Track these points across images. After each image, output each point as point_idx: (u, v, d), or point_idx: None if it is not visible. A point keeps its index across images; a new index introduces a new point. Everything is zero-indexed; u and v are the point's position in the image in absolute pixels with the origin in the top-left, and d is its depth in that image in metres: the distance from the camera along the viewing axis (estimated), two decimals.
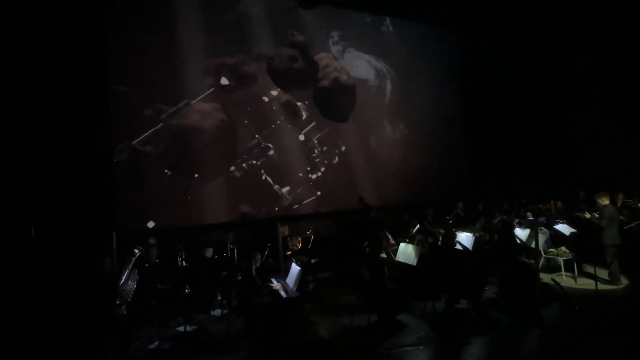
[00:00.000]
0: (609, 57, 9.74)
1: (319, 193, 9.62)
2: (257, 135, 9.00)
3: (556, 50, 10.66)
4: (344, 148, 10.04)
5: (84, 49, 6.74)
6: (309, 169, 9.60)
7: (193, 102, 8.29)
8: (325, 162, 9.84)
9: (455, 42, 11.52)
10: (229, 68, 8.80)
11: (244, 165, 8.81)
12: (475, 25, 11.07)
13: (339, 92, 10.17)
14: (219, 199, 8.51)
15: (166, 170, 7.94)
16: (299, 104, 9.57)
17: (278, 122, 9.27)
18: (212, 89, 8.50)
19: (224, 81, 8.70)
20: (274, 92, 9.29)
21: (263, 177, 8.98)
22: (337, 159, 9.97)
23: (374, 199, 9.20)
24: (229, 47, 8.79)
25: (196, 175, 8.23)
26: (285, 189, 9.22)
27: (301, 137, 9.57)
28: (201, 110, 8.42)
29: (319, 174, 9.70)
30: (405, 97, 10.74)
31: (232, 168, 8.68)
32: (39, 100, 6.27)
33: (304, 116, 9.65)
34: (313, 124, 9.69)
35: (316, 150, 9.76)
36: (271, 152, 9.11)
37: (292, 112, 9.53)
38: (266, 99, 9.16)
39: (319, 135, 9.76)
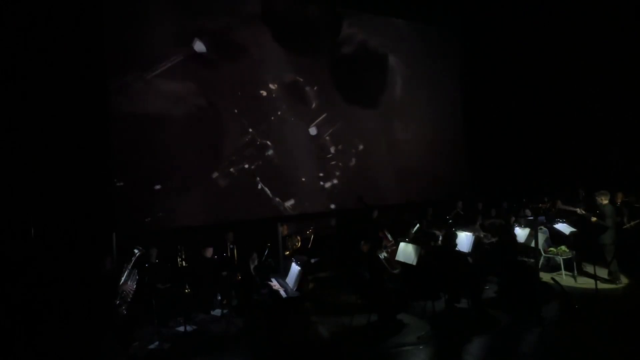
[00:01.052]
0: (609, 56, 9.75)
1: (332, 207, 7.74)
2: (250, 130, 6.94)
3: (556, 49, 10.66)
4: (361, 147, 8.18)
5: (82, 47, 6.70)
6: (321, 174, 7.62)
7: (150, 76, 6.09)
8: (340, 164, 7.91)
9: (455, 42, 11.50)
10: (210, 34, 6.42)
11: (231, 170, 6.78)
12: (475, 24, 11.06)
13: (368, 64, 7.95)
14: (194, 216, 6.56)
15: (114, 180, 6.08)
16: (306, 88, 7.52)
17: (279, 112, 7.25)
18: (182, 57, 6.17)
19: (199, 47, 6.24)
20: (275, 65, 7.07)
21: (259, 186, 7.02)
22: (354, 160, 8.00)
23: (375, 199, 8.81)
24: (210, 5, 6.53)
25: (158, 186, 6.29)
26: (289, 203, 7.28)
27: (312, 131, 7.47)
28: (167, 91, 6.17)
29: (335, 181, 7.68)
30: (407, 96, 10.40)
31: (215, 174, 6.67)
32: (38, 100, 6.26)
33: (314, 104, 7.48)
34: (324, 115, 7.60)
35: (332, 150, 7.68)
36: (270, 152, 7.19)
37: (298, 98, 7.36)
38: (263, 86, 6.99)
39: (331, 130, 7.71)
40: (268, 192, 7.12)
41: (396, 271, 6.42)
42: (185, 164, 6.61)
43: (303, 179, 7.58)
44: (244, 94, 7.00)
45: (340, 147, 7.92)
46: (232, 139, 6.90)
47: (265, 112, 7.27)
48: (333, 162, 7.84)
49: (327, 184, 7.74)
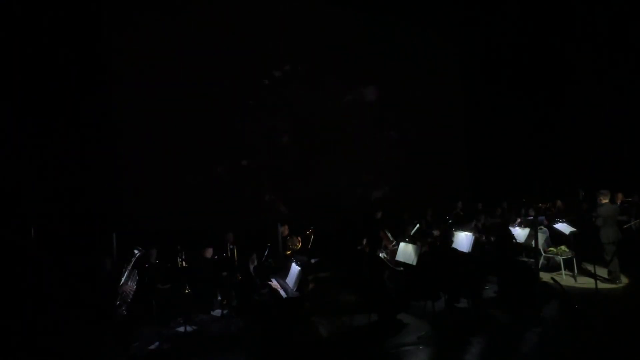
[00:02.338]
0: (609, 57, 9.75)
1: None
2: (250, 102, 4.77)
3: (556, 50, 10.66)
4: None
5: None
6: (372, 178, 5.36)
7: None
8: (385, 163, 5.60)
9: (455, 42, 11.49)
10: None
11: (219, 170, 4.95)
12: (475, 25, 11.05)
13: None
14: (193, 217, 4.84)
15: (115, 179, 4.47)
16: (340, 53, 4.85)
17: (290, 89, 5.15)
18: None
19: None
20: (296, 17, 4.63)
21: (266, 198, 5.05)
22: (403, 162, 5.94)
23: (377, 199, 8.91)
24: None
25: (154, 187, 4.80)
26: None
27: (371, 94, 5.03)
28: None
29: (387, 189, 5.50)
30: (407, 95, 10.44)
31: (193, 178, 4.92)
32: (38, 100, 6.26)
33: (347, 75, 4.93)
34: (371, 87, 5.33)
35: (387, 138, 5.36)
36: (284, 139, 4.91)
37: (319, 57, 4.97)
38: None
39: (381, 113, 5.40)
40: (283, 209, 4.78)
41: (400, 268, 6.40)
42: (132, 159, 4.90)
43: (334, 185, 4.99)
44: (235, 47, 4.48)
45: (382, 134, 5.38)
46: (219, 122, 4.65)
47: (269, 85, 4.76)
48: (384, 161, 5.27)
49: (379, 193, 5.31)
